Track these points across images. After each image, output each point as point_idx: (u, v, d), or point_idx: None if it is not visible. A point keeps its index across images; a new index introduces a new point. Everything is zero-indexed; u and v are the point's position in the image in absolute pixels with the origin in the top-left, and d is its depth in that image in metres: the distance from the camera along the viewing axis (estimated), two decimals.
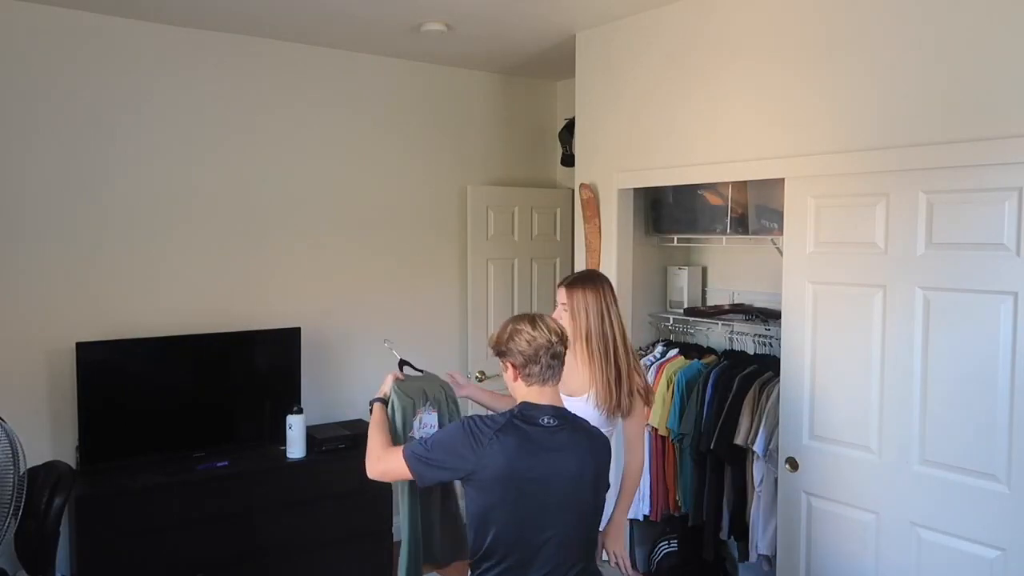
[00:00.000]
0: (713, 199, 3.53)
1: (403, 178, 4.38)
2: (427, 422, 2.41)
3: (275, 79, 3.94)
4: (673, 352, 3.60)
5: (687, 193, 3.61)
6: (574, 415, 2.15)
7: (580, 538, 2.11)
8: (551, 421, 2.06)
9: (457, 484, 2.23)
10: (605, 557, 2.57)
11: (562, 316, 2.55)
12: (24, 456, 2.63)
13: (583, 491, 2.09)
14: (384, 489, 3.84)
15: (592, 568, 2.19)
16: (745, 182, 3.32)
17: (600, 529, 2.32)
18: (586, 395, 2.50)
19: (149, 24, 3.58)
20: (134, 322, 3.58)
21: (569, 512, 2.06)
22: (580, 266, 3.85)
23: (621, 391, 2.49)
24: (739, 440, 3.11)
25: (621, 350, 2.53)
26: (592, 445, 2.12)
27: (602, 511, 2.22)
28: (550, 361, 2.07)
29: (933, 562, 2.55)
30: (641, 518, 3.63)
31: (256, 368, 3.80)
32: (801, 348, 2.90)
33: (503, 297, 4.66)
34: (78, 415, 3.35)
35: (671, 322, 3.78)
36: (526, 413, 2.06)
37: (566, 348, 2.13)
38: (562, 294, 2.58)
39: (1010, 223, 2.33)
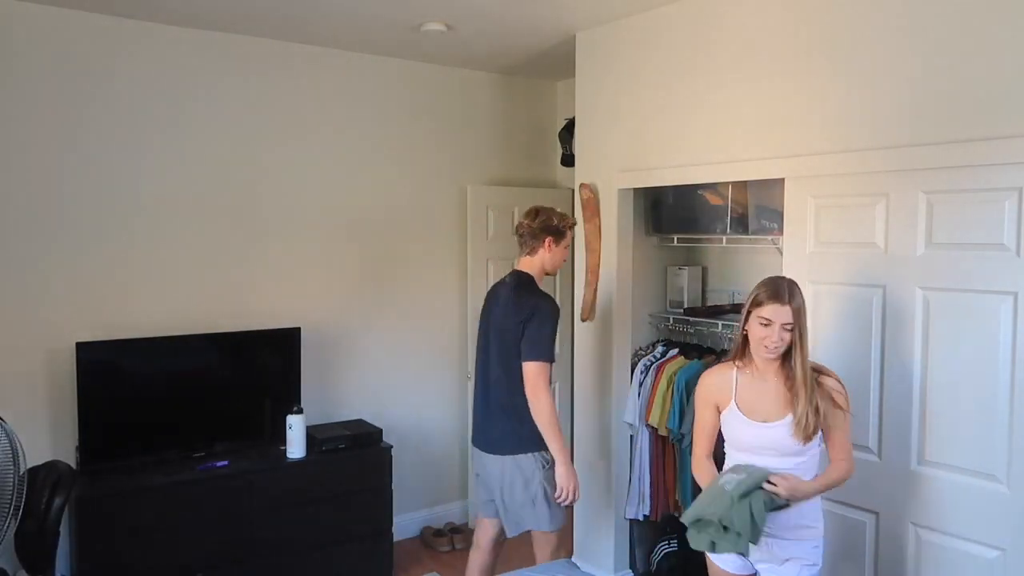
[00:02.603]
0: (713, 199, 3.53)
1: (403, 178, 4.38)
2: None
3: (275, 79, 3.94)
4: (673, 352, 3.60)
5: (687, 193, 3.61)
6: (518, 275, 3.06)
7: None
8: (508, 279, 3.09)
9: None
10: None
11: (776, 337, 2.25)
12: (24, 456, 2.63)
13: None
14: (384, 489, 3.85)
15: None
16: (745, 182, 3.32)
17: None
18: (784, 419, 2.28)
19: (148, 24, 3.58)
20: (134, 322, 3.58)
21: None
22: (580, 266, 3.85)
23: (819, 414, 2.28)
24: None
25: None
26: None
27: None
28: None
29: (933, 562, 2.55)
30: (641, 518, 3.63)
31: (256, 368, 3.80)
32: None
33: None
34: (78, 415, 3.35)
35: (671, 322, 3.78)
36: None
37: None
38: (785, 313, 2.23)
39: (1010, 223, 2.33)
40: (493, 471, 3.02)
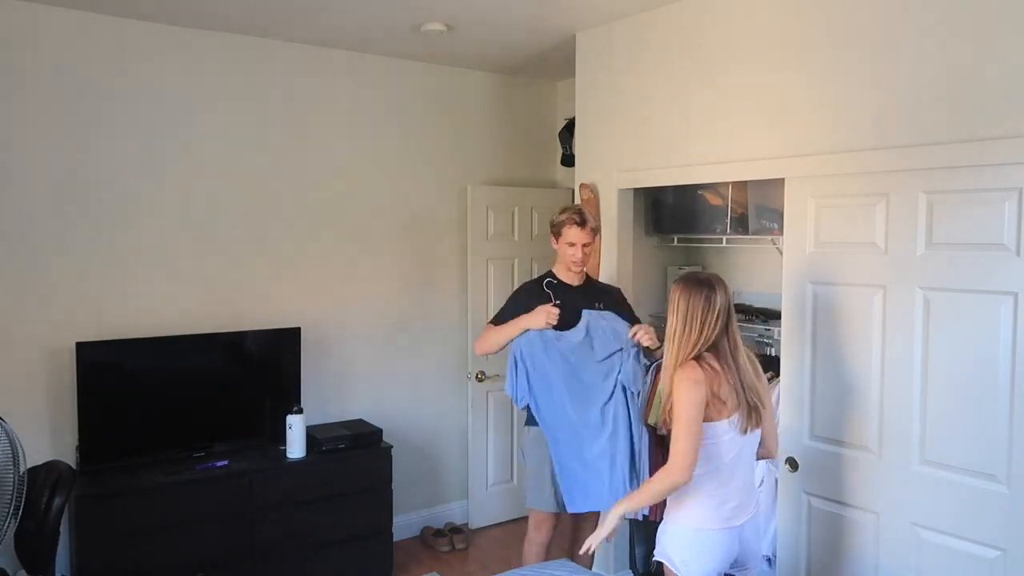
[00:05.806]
0: (713, 199, 3.53)
1: (403, 178, 4.38)
2: None
3: (275, 79, 3.94)
4: None
5: (687, 193, 3.62)
6: None
7: None
8: None
9: None
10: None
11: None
12: (24, 456, 2.63)
13: None
14: (384, 489, 3.85)
15: None
16: (745, 182, 3.32)
17: None
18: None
19: (149, 24, 3.58)
20: (134, 322, 3.58)
21: None
22: None
23: None
24: None
25: None
26: None
27: None
28: None
29: (933, 562, 2.55)
30: (640, 518, 3.62)
31: (256, 368, 3.80)
32: (801, 348, 2.90)
33: (503, 297, 4.62)
34: (78, 415, 3.35)
35: None
36: None
37: None
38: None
39: (1010, 223, 2.33)
40: None
